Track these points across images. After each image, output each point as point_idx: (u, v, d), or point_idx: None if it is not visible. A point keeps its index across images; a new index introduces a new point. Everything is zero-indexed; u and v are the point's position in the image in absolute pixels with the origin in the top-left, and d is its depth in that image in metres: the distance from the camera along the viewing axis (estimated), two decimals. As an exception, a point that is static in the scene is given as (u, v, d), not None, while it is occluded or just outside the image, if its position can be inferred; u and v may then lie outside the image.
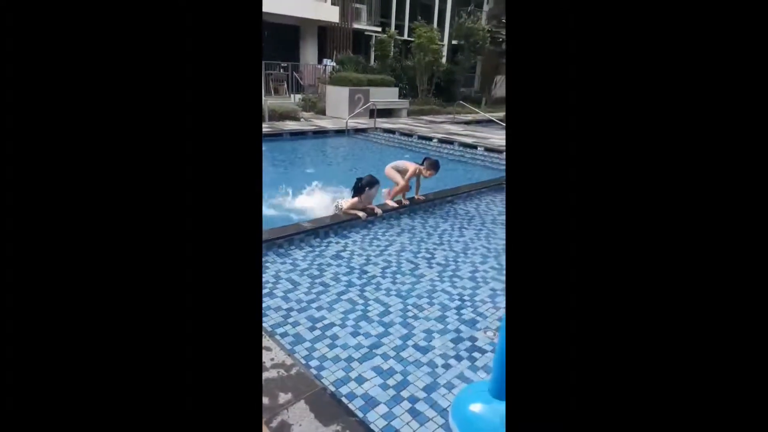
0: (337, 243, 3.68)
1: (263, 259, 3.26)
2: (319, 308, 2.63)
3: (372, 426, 1.73)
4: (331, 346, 2.26)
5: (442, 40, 18.54)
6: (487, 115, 12.58)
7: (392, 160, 4.85)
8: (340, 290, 2.87)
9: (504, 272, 3.27)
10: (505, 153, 7.82)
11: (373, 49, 18.02)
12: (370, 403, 1.88)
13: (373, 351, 2.23)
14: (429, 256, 3.53)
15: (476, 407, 1.73)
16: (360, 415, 1.77)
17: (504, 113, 13.76)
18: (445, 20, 21.93)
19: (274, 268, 3.13)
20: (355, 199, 4.11)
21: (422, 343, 2.33)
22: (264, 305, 2.64)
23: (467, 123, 12.53)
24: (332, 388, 1.92)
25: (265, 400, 1.70)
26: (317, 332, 2.38)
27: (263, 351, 2.01)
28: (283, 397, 1.72)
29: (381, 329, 2.44)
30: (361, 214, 4.06)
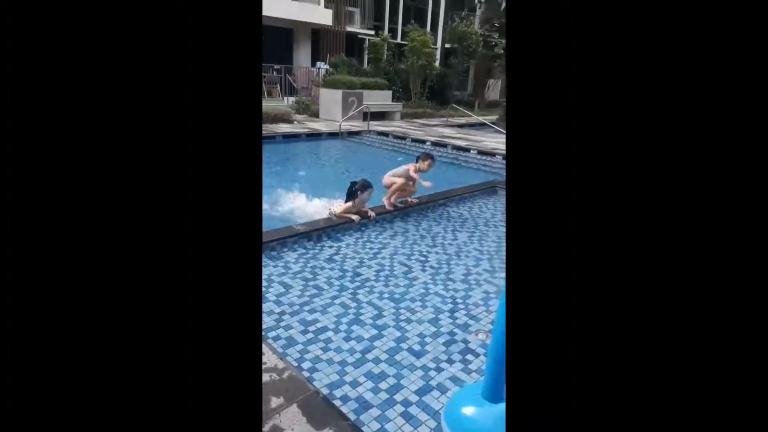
0: (331, 246, 3.68)
1: (256, 263, 3.25)
2: (311, 311, 2.62)
3: (365, 429, 1.73)
4: (324, 350, 2.26)
5: (435, 43, 18.62)
6: (480, 119, 12.64)
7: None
8: (333, 293, 2.87)
9: (496, 275, 3.29)
10: (497, 156, 7.87)
11: (367, 52, 18.06)
12: (364, 406, 1.88)
13: (366, 355, 2.23)
14: (422, 259, 3.53)
15: (469, 410, 1.73)
16: (353, 418, 1.76)
17: (496, 116, 13.86)
18: (438, 24, 22.03)
19: (266, 271, 3.12)
20: (349, 203, 4.10)
21: (416, 347, 2.33)
22: (256, 309, 2.62)
23: (460, 126, 12.58)
24: (325, 392, 1.92)
25: (257, 405, 1.70)
26: (310, 335, 2.37)
27: (255, 355, 2.00)
28: (276, 401, 1.72)
29: (374, 332, 2.44)
30: (354, 217, 4.05)
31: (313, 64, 16.36)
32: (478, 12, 19.06)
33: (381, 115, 12.85)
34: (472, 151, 8.37)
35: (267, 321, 2.49)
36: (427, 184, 4.48)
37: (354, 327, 2.48)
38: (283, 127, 10.29)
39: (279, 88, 14.81)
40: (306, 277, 3.08)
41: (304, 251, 3.52)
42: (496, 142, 9.36)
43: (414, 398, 1.94)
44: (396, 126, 11.74)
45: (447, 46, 19.38)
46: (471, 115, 13.36)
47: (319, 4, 15.87)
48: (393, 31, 19.93)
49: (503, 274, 3.29)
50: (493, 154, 8.02)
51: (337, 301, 2.76)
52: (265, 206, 4.86)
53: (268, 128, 9.88)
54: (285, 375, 1.87)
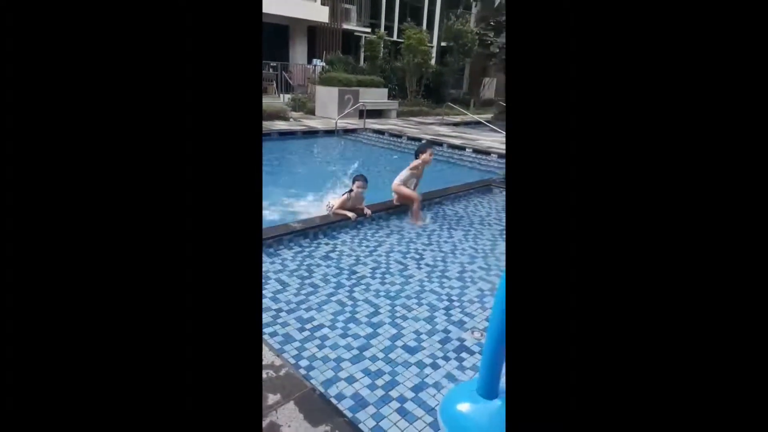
0: (327, 244, 3.68)
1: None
2: (308, 309, 2.63)
3: (361, 426, 1.74)
4: (321, 347, 2.27)
5: (431, 41, 18.61)
6: (476, 117, 12.66)
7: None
8: (329, 291, 2.88)
9: (491, 272, 3.31)
10: (492, 155, 7.89)
11: (363, 49, 18.01)
12: (360, 403, 1.89)
13: (362, 352, 2.24)
14: (418, 256, 3.55)
15: (464, 406, 1.75)
16: (349, 415, 1.78)
17: (491, 115, 13.88)
18: (434, 22, 22.03)
19: (263, 268, 3.12)
20: (344, 196, 4.12)
21: (411, 344, 2.34)
22: (253, 306, 2.63)
23: (456, 125, 12.60)
24: (321, 389, 1.93)
25: (254, 401, 1.70)
26: (306, 333, 2.38)
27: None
28: (273, 398, 1.73)
29: (370, 330, 2.45)
30: (350, 214, 4.06)
31: (310, 62, 16.31)
32: (474, 10, 19.05)
33: (377, 113, 12.84)
34: (467, 150, 8.39)
35: (264, 318, 2.49)
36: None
37: (350, 324, 2.49)
38: (279, 125, 10.26)
39: (275, 85, 14.75)
40: (302, 274, 3.09)
41: (300, 249, 3.52)
42: (492, 140, 9.39)
43: (410, 395, 1.95)
44: (392, 124, 11.74)
45: (443, 44, 19.36)
46: (466, 114, 13.38)
47: (315, 1, 15.81)
48: (389, 29, 19.90)
49: (498, 272, 3.31)
50: (488, 153, 8.05)
51: (333, 299, 2.77)
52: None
53: (263, 125, 9.84)
54: (282, 372, 1.88)
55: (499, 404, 1.66)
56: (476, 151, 8.27)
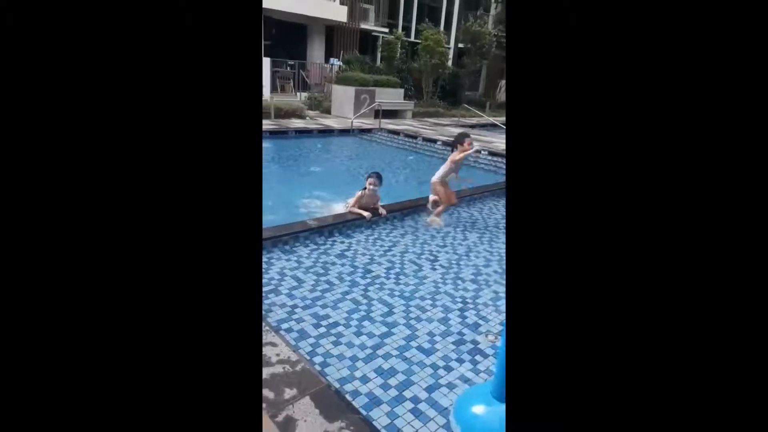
0: (342, 242, 3.71)
1: (269, 256, 3.29)
2: (323, 306, 2.65)
3: (375, 424, 1.76)
4: (336, 344, 2.29)
5: (448, 42, 18.56)
6: (491, 119, 12.60)
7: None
8: (344, 289, 2.90)
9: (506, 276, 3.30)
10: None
11: (380, 49, 18.04)
12: (374, 401, 1.90)
13: (376, 351, 2.26)
14: (432, 258, 3.55)
15: (478, 409, 1.75)
16: (363, 413, 1.80)
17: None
18: (452, 23, 21.95)
19: (279, 265, 3.16)
20: (359, 193, 4.15)
21: (425, 345, 2.35)
22: (269, 301, 2.66)
23: (471, 126, 12.54)
24: (336, 386, 1.95)
25: (270, 395, 1.73)
26: (322, 329, 2.41)
27: (269, 347, 2.04)
28: (289, 393, 1.75)
29: (384, 329, 2.47)
30: (366, 214, 4.08)
31: (327, 61, 16.38)
32: (493, 12, 18.94)
33: (392, 113, 12.86)
34: (483, 152, 8.35)
35: (279, 314, 2.53)
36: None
37: (365, 323, 2.51)
38: (296, 123, 10.34)
39: (292, 83, 14.86)
40: (318, 272, 3.11)
41: (315, 246, 3.55)
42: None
43: (423, 395, 1.96)
44: (407, 124, 11.74)
45: (460, 45, 19.30)
46: (482, 116, 13.32)
47: (334, 1, 15.88)
48: (407, 30, 19.91)
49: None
50: (503, 155, 8.00)
51: (348, 297, 2.79)
52: (274, 201, 4.90)
53: (280, 123, 9.94)
54: (298, 367, 1.91)
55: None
56: (492, 153, 8.24)
